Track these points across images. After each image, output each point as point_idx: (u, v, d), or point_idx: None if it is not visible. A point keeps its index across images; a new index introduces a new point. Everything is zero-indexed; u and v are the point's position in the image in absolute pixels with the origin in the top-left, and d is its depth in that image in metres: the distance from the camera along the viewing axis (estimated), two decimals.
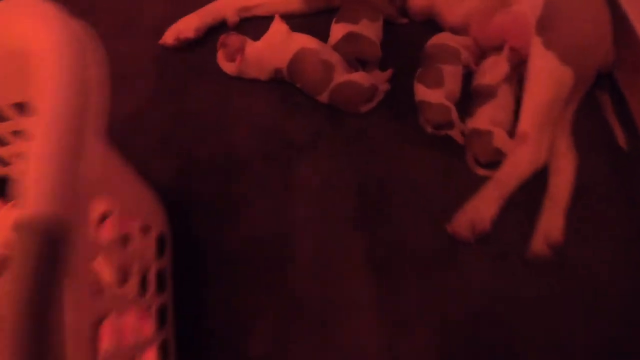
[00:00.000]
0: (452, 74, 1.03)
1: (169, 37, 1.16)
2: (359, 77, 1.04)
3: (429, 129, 1.00)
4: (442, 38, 1.09)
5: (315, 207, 0.97)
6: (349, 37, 1.08)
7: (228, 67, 1.10)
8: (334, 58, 1.05)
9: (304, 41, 1.06)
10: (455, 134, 1.00)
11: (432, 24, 1.16)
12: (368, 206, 0.97)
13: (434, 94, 1.00)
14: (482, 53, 1.07)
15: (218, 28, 1.20)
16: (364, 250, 0.93)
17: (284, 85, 1.11)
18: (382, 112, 1.07)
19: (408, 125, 1.05)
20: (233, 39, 1.09)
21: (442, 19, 1.12)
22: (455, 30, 1.10)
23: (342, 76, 1.04)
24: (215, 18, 1.18)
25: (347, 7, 1.13)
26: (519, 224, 0.93)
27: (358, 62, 1.08)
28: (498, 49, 1.04)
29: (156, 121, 1.10)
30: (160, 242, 0.88)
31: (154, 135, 1.08)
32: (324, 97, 1.05)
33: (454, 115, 0.99)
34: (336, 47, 1.08)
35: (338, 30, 1.10)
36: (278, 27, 1.08)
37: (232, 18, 1.19)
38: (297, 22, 1.16)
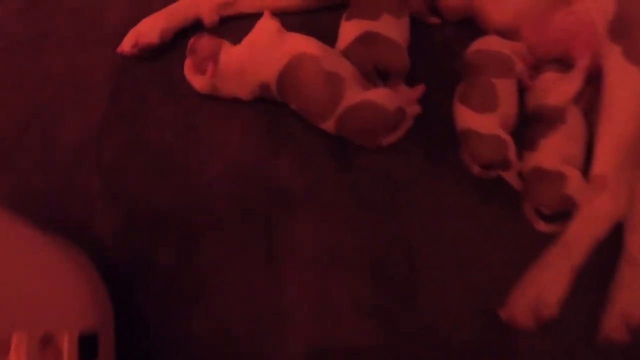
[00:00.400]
0: (506, 92, 0.77)
1: (127, 43, 0.88)
2: (380, 95, 0.75)
3: (476, 169, 0.75)
4: (488, 43, 0.82)
5: (311, 287, 0.70)
6: (366, 39, 0.79)
7: (197, 82, 0.81)
8: (345, 68, 0.76)
9: (302, 44, 0.77)
10: (510, 176, 0.75)
11: (470, 25, 0.90)
12: (388, 286, 0.68)
13: (484, 121, 0.75)
14: (536, 64, 0.84)
15: (191, 31, 0.91)
16: (380, 349, 0.66)
17: (272, 106, 0.82)
18: (410, 145, 0.79)
19: (445, 163, 0.77)
20: (204, 43, 0.80)
21: (485, 18, 0.87)
22: (502, 34, 0.85)
23: (355, 94, 0.74)
24: (186, 17, 0.90)
25: None
26: (584, 295, 0.68)
27: (377, 75, 0.79)
28: (556, 59, 0.83)
29: (103, 154, 0.83)
30: (88, 345, 0.60)
31: (100, 174, 0.81)
32: (329, 125, 0.76)
33: (511, 151, 0.73)
34: (347, 53, 0.79)
35: (350, 30, 0.81)
36: (266, 25, 0.80)
37: (208, 17, 0.90)
38: (293, 20, 0.87)
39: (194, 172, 0.78)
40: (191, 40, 0.82)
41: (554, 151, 0.74)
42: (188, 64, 0.81)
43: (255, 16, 0.88)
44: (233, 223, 0.74)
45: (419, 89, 0.80)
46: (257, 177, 0.77)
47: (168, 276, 0.72)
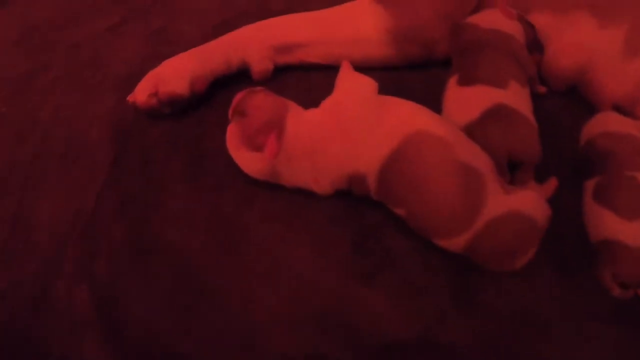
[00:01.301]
0: None
1: (143, 91, 0.62)
2: (528, 202, 0.50)
3: (617, 291, 0.53)
4: (613, 123, 0.60)
5: None
6: (499, 115, 0.54)
7: (248, 162, 0.54)
8: (482, 159, 0.50)
9: (418, 118, 0.52)
10: None
11: (575, 96, 0.68)
12: None
13: (635, 230, 0.53)
14: None
15: (231, 82, 0.65)
16: None
17: (360, 205, 0.54)
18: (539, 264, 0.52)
19: (580, 285, 0.52)
20: (261, 102, 0.54)
21: (598, 88, 0.66)
22: (619, 108, 0.64)
23: (499, 201, 0.48)
24: (228, 62, 0.64)
25: (477, 55, 0.60)
26: None
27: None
28: None
29: (96, 258, 0.55)
30: None
31: (91, 288, 0.53)
32: (455, 243, 0.49)
33: None
34: (473, 133, 0.53)
35: (472, 99, 0.56)
36: (358, 84, 0.54)
37: (259, 64, 0.65)
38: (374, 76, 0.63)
39: (235, 303, 0.50)
40: (239, 96, 0.56)
41: None
42: (233, 132, 0.54)
43: (324, 70, 0.64)
44: None
45: (552, 185, 0.56)
46: (336, 316, 0.48)
47: None
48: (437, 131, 0.49)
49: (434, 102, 0.59)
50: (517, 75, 0.59)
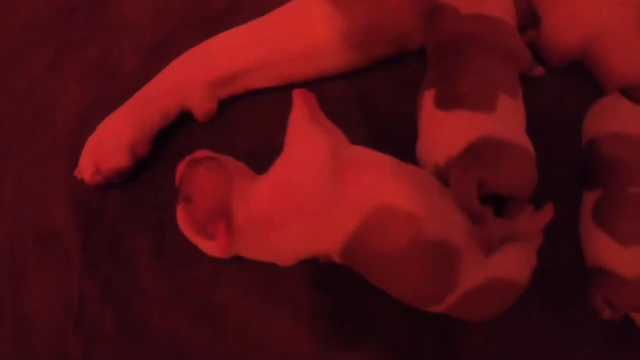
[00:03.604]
0: None
1: (86, 169, 0.56)
2: (510, 267, 0.45)
3: (607, 314, 0.49)
4: (621, 117, 0.52)
5: None
6: (483, 151, 0.46)
7: (205, 246, 0.50)
8: (457, 228, 0.44)
9: (382, 185, 0.45)
10: None
11: (580, 74, 0.58)
12: None
13: (632, 258, 0.47)
14: None
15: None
16: None
17: (339, 269, 0.50)
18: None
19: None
20: (202, 181, 0.48)
21: (606, 65, 0.55)
22: (630, 91, 0.53)
23: (476, 271, 0.43)
24: (166, 114, 0.57)
25: (458, 57, 0.49)
26: None
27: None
28: None
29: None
30: None
31: None
32: (435, 309, 0.46)
33: None
34: (452, 171, 0.46)
35: (452, 129, 0.47)
36: (311, 146, 0.46)
37: (200, 106, 0.57)
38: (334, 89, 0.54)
39: None
40: (180, 169, 0.50)
41: None
42: (183, 217, 0.49)
43: (277, 92, 0.56)
44: None
45: (547, 213, 0.48)
46: None
47: None
48: (404, 205, 0.43)
49: (409, 109, 0.51)
50: (507, 83, 0.49)
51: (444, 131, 0.47)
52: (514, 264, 0.45)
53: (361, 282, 0.49)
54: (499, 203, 0.48)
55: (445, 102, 0.48)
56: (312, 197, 0.44)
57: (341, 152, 0.46)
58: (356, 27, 0.53)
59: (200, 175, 0.48)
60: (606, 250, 0.47)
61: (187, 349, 0.52)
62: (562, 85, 0.58)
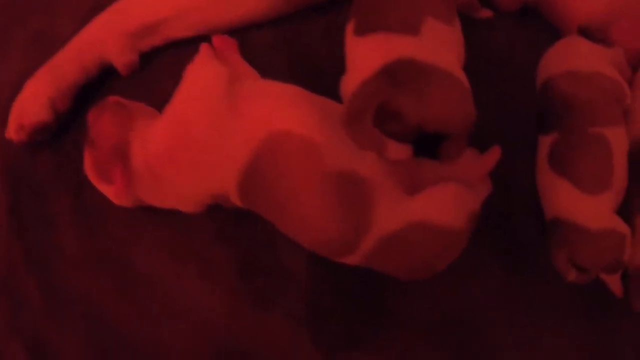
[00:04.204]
0: (620, 151, 0.45)
1: (11, 125, 0.55)
2: (441, 204, 0.40)
3: (572, 275, 0.44)
4: (578, 55, 0.48)
5: None
6: (399, 75, 0.40)
7: (108, 192, 0.48)
8: (373, 167, 0.40)
9: (280, 112, 0.42)
10: (614, 280, 0.45)
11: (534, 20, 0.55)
12: None
13: (596, 207, 0.43)
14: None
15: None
16: None
17: (251, 218, 0.46)
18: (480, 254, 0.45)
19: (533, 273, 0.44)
20: (104, 126, 0.46)
21: (563, 8, 0.53)
22: (588, 31, 0.50)
23: (394, 212, 0.39)
24: (85, 68, 0.55)
25: None
26: None
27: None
28: None
29: None
30: None
31: None
32: (350, 260, 0.41)
33: (628, 248, 0.44)
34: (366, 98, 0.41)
35: (368, 53, 0.42)
36: (205, 76, 0.43)
37: (120, 58, 0.55)
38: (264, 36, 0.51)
39: (147, 350, 0.47)
40: (89, 116, 0.48)
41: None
42: (87, 161, 0.47)
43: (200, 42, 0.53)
44: None
45: (493, 156, 0.43)
46: (236, 352, 0.44)
47: None
48: (302, 130, 0.39)
49: (338, 53, 0.48)
50: (436, 8, 0.44)
51: (360, 56, 0.43)
52: (444, 205, 0.40)
53: (275, 233, 0.45)
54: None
55: (363, 27, 0.44)
56: (203, 131, 0.41)
57: (241, 85, 0.43)
58: None
59: (105, 119, 0.46)
60: (566, 200, 0.43)
61: (101, 307, 0.50)
62: (515, 32, 0.55)
